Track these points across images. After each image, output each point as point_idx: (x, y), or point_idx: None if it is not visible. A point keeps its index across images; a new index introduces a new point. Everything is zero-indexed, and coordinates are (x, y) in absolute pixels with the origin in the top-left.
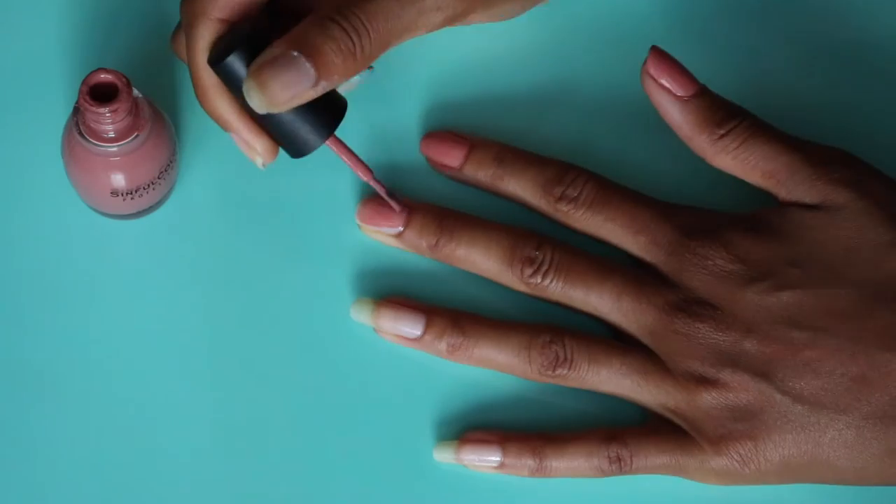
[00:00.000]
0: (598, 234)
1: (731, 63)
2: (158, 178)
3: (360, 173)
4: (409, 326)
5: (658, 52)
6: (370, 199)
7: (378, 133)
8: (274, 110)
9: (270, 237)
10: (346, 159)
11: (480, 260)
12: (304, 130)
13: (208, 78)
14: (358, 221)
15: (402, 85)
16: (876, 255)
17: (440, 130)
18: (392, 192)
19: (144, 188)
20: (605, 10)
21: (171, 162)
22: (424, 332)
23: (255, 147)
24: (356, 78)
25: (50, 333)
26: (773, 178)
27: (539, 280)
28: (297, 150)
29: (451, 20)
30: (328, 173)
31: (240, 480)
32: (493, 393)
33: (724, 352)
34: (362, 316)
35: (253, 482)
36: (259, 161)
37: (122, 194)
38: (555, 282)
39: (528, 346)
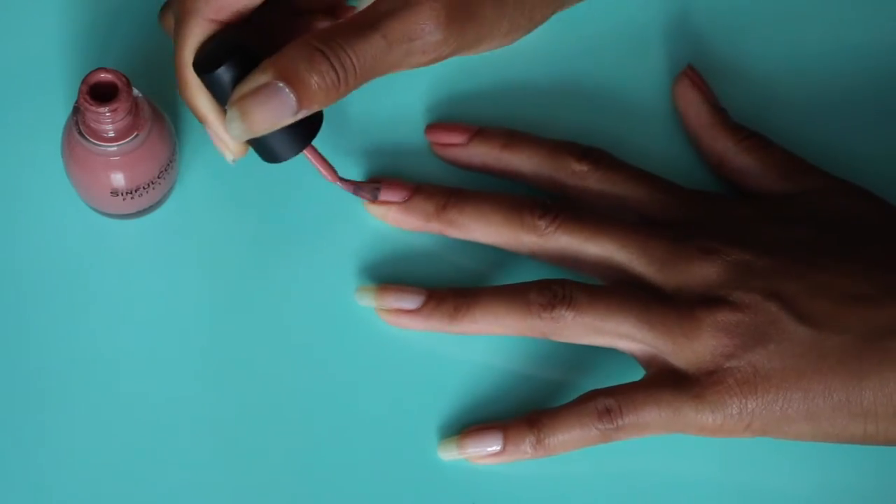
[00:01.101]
0: (614, 193)
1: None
2: (158, 177)
3: (329, 178)
4: (411, 301)
5: (695, 71)
6: (378, 179)
7: (381, 122)
8: (253, 135)
9: (271, 236)
10: (323, 172)
11: (489, 214)
12: (279, 144)
13: (191, 74)
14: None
15: (406, 78)
16: (888, 217)
17: (445, 122)
18: (358, 186)
19: (144, 188)
20: (610, 14)
21: (171, 161)
22: (425, 302)
23: (228, 145)
24: None
25: (50, 333)
26: (790, 176)
27: (548, 223)
28: (270, 158)
29: (435, 61)
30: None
31: (241, 478)
32: (491, 390)
33: (737, 271)
34: (365, 300)
35: (254, 480)
36: (229, 157)
37: (122, 194)
38: (564, 225)
39: (525, 290)
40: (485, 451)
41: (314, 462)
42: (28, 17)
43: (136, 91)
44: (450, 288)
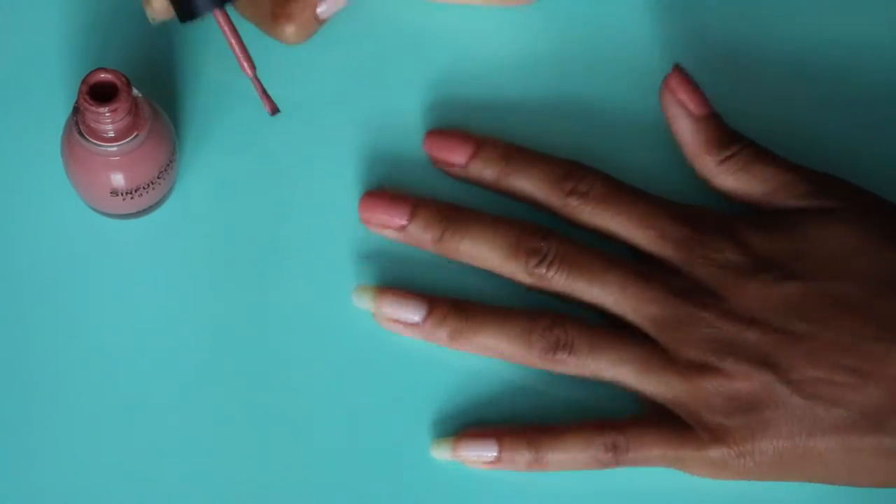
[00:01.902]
0: (606, 229)
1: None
2: (158, 177)
3: (243, 64)
4: (411, 312)
5: (681, 71)
6: (373, 193)
7: (380, 126)
8: None
9: (270, 236)
10: (231, 41)
11: (485, 252)
12: None
13: None
14: (361, 215)
15: (405, 82)
16: (875, 250)
17: (443, 129)
18: (268, 94)
19: (144, 188)
20: (610, 22)
21: (170, 162)
22: (426, 318)
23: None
24: (327, 6)
25: (50, 333)
26: (773, 195)
27: (544, 271)
28: (185, 11)
29: None
30: (328, 172)
31: (239, 477)
32: (490, 390)
33: (727, 341)
34: (364, 302)
35: (250, 478)
36: (150, 15)
37: (122, 194)
38: (559, 273)
39: (529, 330)
40: (478, 456)
41: (310, 455)
42: (28, 17)
43: (135, 91)
44: (452, 303)
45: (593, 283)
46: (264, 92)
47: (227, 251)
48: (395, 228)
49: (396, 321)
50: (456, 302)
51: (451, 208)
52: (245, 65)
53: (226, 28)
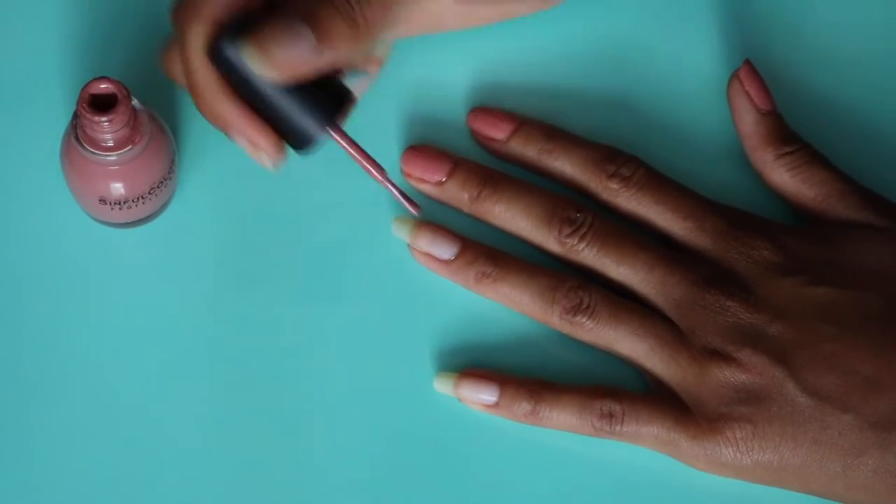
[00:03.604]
0: (645, 215)
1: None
2: (155, 189)
3: (370, 171)
4: (444, 249)
5: (751, 66)
6: (416, 148)
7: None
8: (275, 75)
9: (269, 247)
10: (353, 154)
11: (519, 216)
12: (306, 117)
13: (205, 76)
14: (402, 168)
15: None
16: None
17: (488, 107)
18: (406, 194)
19: (142, 198)
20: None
21: (169, 174)
22: (457, 256)
23: (260, 143)
24: (360, 80)
25: (49, 339)
26: (825, 201)
27: (576, 241)
28: (299, 140)
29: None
30: (329, 184)
31: (239, 477)
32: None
33: (748, 331)
34: (402, 232)
35: (252, 477)
36: (266, 160)
37: (119, 204)
38: (590, 246)
39: (554, 287)
40: (478, 398)
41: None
42: (30, 24)
43: (136, 102)
44: (485, 248)
45: (623, 261)
46: (402, 193)
47: (225, 261)
48: (433, 184)
49: (429, 256)
50: (489, 249)
51: (490, 170)
52: (374, 172)
53: (343, 143)
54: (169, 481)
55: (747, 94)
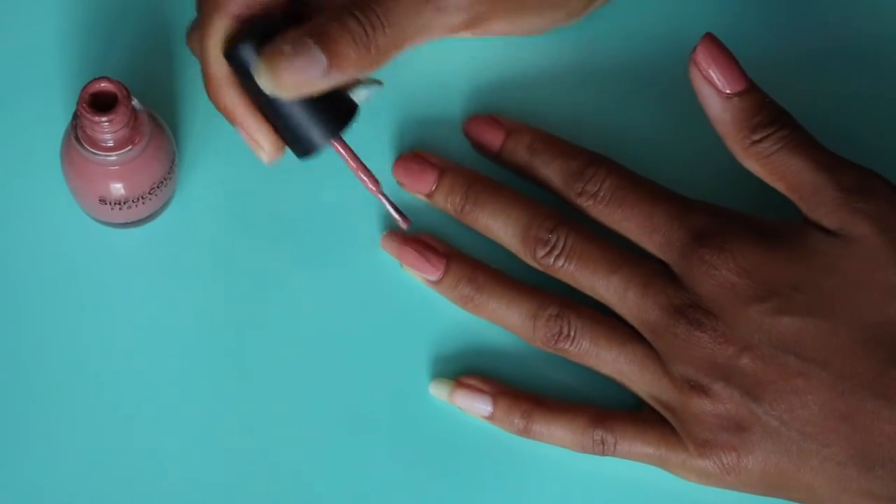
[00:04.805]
0: (616, 230)
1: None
2: (155, 189)
3: (366, 183)
4: (429, 271)
5: (710, 41)
6: (405, 157)
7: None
8: (282, 94)
9: (269, 248)
10: (352, 165)
11: (499, 231)
12: (310, 128)
13: (219, 69)
14: (396, 178)
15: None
16: (881, 296)
17: (485, 114)
18: (398, 208)
19: (141, 198)
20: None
21: (169, 174)
22: (441, 280)
23: (260, 141)
24: (364, 92)
25: (48, 339)
26: (796, 192)
27: (550, 262)
28: (302, 148)
29: (471, 24)
30: (329, 184)
31: (238, 480)
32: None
33: (720, 364)
34: (389, 247)
35: (251, 478)
36: (264, 157)
37: (118, 204)
38: (565, 265)
39: (534, 315)
40: (472, 408)
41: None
42: (30, 23)
43: (136, 102)
44: (468, 269)
45: (596, 282)
46: (395, 208)
47: (226, 259)
48: (424, 195)
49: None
50: (472, 268)
51: (474, 180)
52: (369, 184)
53: (345, 154)
54: (169, 481)
55: (707, 77)
